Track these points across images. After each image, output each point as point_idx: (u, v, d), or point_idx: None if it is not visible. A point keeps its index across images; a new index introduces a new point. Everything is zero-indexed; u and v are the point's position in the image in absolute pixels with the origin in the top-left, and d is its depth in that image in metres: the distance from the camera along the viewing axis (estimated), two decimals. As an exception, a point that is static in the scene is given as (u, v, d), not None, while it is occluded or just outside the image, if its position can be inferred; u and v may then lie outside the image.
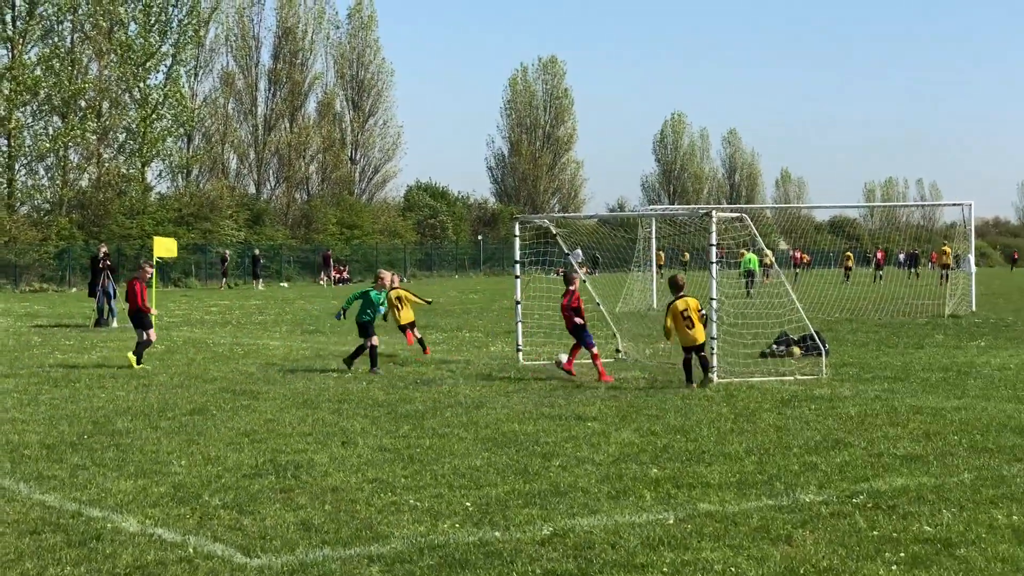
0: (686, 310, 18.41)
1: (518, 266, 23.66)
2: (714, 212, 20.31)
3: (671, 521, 9.59)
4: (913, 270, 72.39)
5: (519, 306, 23.10)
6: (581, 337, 20.02)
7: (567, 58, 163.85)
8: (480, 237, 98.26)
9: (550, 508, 10.09)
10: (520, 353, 22.51)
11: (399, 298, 24.06)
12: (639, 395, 17.51)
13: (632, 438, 13.63)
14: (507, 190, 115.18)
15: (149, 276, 23.25)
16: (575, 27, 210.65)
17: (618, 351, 23.03)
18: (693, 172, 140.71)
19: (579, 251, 58.35)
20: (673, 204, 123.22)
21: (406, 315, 24.14)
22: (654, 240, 42.51)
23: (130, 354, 21.80)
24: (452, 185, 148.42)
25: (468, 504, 10.23)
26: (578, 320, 19.99)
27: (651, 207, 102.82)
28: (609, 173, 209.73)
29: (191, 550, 8.82)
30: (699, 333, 18.45)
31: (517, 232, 23.75)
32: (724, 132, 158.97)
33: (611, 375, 19.75)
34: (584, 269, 23.29)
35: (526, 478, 11.33)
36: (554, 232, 24.06)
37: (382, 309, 21.93)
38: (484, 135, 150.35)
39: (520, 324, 22.86)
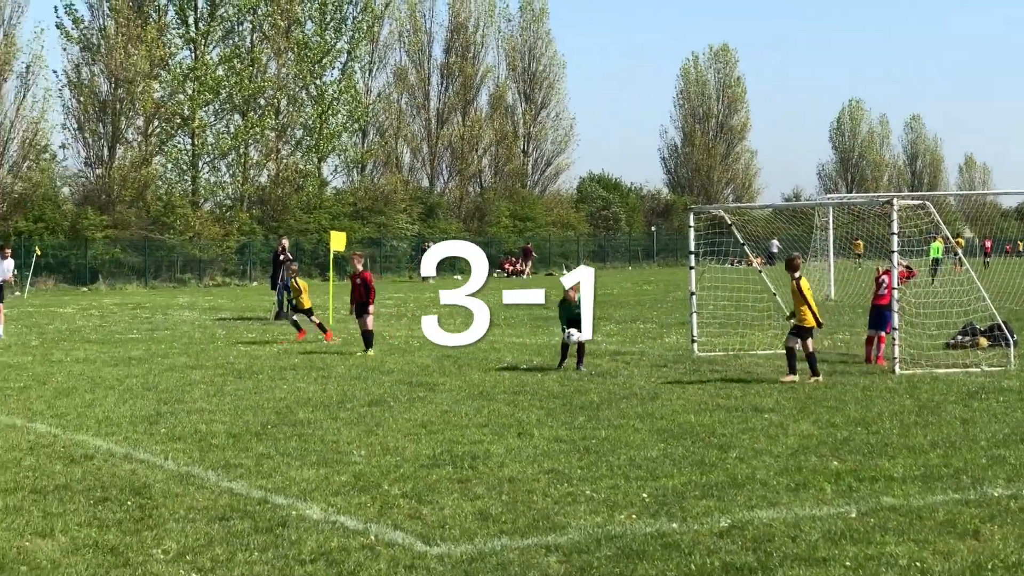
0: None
1: (692, 257, 23.49)
2: (895, 200, 19.85)
3: (853, 515, 9.41)
4: None
5: (693, 297, 22.91)
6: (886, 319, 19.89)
7: (739, 46, 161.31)
8: (653, 228, 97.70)
9: (728, 500, 9.98)
10: (695, 344, 22.33)
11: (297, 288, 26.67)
12: (818, 386, 17.21)
13: (811, 430, 13.41)
14: (680, 180, 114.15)
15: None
16: (746, 14, 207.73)
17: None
18: (872, 160, 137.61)
19: (775, 241, 57.56)
20: (851, 192, 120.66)
21: (306, 301, 26.47)
22: (831, 229, 41.74)
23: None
24: (625, 176, 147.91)
25: (645, 495, 10.19)
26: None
27: (828, 196, 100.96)
28: (784, 162, 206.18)
29: (373, 537, 8.97)
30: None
31: (692, 222, 23.56)
32: (906, 118, 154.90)
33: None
34: (759, 260, 23.05)
35: (703, 469, 11.24)
36: (729, 222, 23.81)
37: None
38: (657, 125, 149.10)
39: (695, 315, 22.68)
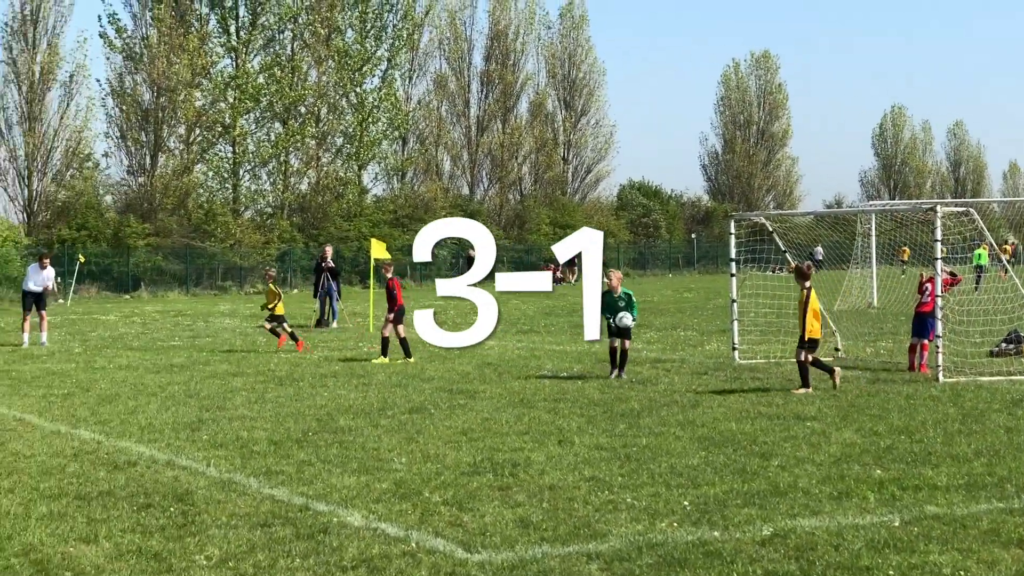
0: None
1: (733, 264, 23.41)
2: (939, 207, 19.72)
3: (896, 523, 9.34)
4: None
5: (734, 304, 22.83)
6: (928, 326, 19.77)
7: (780, 52, 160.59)
8: (694, 235, 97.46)
9: (770, 508, 9.94)
10: (736, 352, 22.25)
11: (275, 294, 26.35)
12: (860, 394, 17.10)
13: (854, 438, 13.33)
14: (721, 188, 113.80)
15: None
16: (788, 20, 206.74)
17: (837, 349, 22.57)
18: (915, 166, 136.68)
19: (819, 248, 57.30)
20: (894, 199, 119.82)
21: (280, 308, 26.22)
22: (873, 236, 41.48)
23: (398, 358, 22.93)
24: (665, 183, 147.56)
25: (686, 503, 10.15)
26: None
27: (871, 203, 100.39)
28: (825, 169, 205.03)
29: (414, 545, 8.98)
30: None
31: (732, 230, 23.49)
32: (949, 124, 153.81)
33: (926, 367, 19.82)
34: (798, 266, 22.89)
35: (744, 478, 11.19)
36: (771, 229, 23.71)
37: (634, 312, 20.04)
38: (698, 132, 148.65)
39: (736, 322, 22.60)
